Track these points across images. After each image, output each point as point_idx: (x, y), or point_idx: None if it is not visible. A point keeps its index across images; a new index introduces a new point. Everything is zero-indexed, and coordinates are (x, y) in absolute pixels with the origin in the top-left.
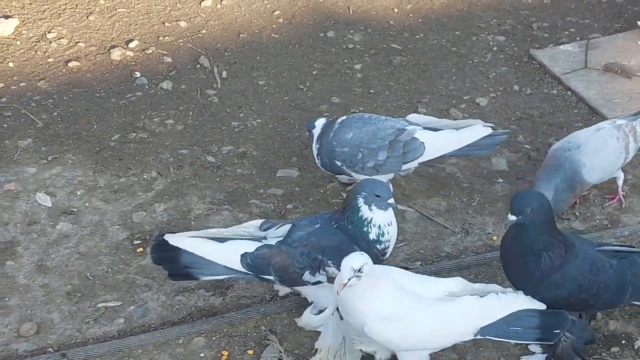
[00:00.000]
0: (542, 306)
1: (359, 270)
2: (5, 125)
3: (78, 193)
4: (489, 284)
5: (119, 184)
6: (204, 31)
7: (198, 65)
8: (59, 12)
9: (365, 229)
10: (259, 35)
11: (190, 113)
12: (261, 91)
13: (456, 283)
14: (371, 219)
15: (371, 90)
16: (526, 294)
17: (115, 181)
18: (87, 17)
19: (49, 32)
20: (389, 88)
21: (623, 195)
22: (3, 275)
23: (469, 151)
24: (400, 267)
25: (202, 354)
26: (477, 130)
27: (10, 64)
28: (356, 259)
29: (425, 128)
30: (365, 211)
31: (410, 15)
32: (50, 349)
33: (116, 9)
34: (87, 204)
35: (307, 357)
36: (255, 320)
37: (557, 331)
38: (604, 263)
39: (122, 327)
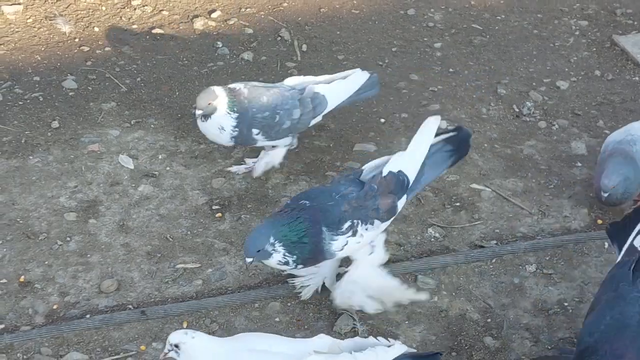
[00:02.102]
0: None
1: (176, 346)
2: (90, 88)
3: (159, 157)
4: (364, 339)
5: (199, 150)
6: (285, 4)
7: (279, 38)
8: None
9: None
10: (340, 10)
11: None
12: (340, 66)
13: (322, 342)
14: None
15: (450, 69)
16: None
17: (195, 147)
18: None
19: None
20: (468, 68)
21: None
22: (85, 233)
23: (359, 95)
24: (475, 245)
25: (277, 319)
26: (360, 75)
27: (96, 29)
28: (174, 335)
29: None
30: None
31: None
32: (130, 306)
33: None
34: (168, 168)
35: (381, 327)
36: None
37: None
38: None
39: (200, 288)
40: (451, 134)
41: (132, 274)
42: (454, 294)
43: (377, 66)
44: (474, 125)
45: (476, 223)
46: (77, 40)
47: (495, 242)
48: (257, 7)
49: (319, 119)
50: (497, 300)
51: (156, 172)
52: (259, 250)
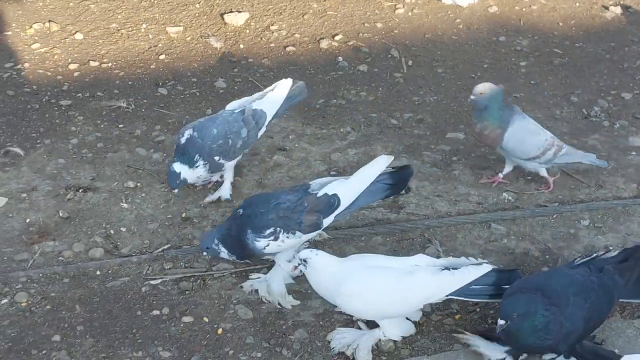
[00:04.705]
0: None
1: (304, 260)
2: (236, 87)
3: (290, 137)
4: (457, 258)
5: (321, 134)
6: (396, 31)
7: (389, 55)
8: (280, 11)
9: None
10: (441, 36)
11: (380, 89)
12: (439, 77)
13: (420, 259)
14: None
15: (532, 81)
16: None
17: (318, 131)
18: (303, 16)
19: (272, 25)
20: (547, 81)
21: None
22: (232, 185)
23: (290, 102)
24: (540, 205)
25: (378, 249)
26: (285, 83)
27: (241, 46)
28: (303, 252)
29: None
30: None
31: (573, 28)
32: None
33: (326, 12)
34: (296, 145)
35: None
36: (420, 230)
37: (507, 286)
38: (591, 286)
39: None
40: (396, 169)
41: None
42: (520, 238)
43: (470, 77)
44: (548, 122)
45: (543, 191)
46: (225, 53)
47: (557, 203)
48: (373, 33)
49: (263, 130)
50: (555, 243)
51: (287, 147)
52: (208, 247)
